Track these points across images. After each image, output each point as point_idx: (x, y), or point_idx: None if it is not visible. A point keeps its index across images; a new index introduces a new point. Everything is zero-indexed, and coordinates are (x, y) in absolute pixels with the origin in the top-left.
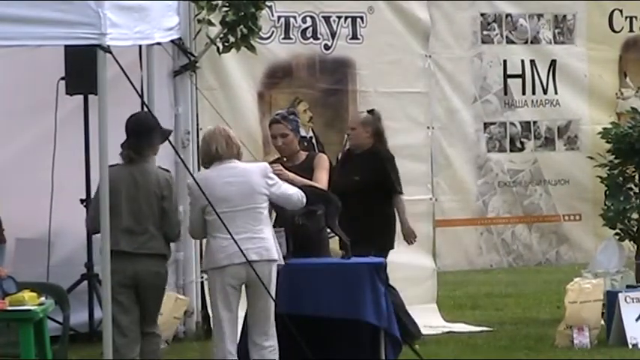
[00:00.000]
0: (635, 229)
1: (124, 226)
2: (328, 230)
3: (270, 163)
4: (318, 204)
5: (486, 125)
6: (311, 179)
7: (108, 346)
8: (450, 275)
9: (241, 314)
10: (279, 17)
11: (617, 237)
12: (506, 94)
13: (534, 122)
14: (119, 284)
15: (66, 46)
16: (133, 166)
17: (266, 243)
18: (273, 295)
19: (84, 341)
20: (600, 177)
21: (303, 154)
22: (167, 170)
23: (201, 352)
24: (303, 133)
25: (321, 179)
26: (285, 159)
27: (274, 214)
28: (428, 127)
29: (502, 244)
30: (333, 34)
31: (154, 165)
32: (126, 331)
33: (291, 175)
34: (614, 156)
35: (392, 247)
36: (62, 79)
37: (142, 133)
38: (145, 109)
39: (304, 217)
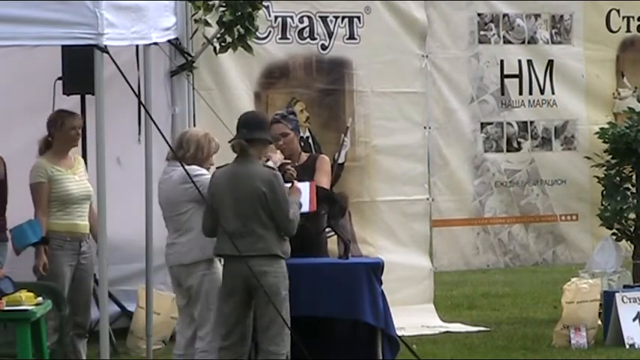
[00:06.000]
0: (632, 229)
1: (231, 229)
2: (328, 229)
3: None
4: (321, 204)
5: (483, 125)
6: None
7: (105, 346)
8: (446, 275)
9: None
10: (276, 17)
11: (614, 237)
12: (503, 94)
13: (531, 122)
14: (225, 291)
15: (63, 46)
16: (237, 167)
17: (181, 248)
18: (205, 299)
19: None
20: (597, 177)
21: (304, 156)
22: (272, 168)
23: None
24: (300, 133)
25: (322, 182)
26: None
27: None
28: (425, 127)
29: (499, 244)
30: (330, 34)
31: (258, 165)
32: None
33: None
34: (611, 156)
35: None
36: (59, 79)
37: (253, 125)
38: (142, 109)
39: (304, 218)
